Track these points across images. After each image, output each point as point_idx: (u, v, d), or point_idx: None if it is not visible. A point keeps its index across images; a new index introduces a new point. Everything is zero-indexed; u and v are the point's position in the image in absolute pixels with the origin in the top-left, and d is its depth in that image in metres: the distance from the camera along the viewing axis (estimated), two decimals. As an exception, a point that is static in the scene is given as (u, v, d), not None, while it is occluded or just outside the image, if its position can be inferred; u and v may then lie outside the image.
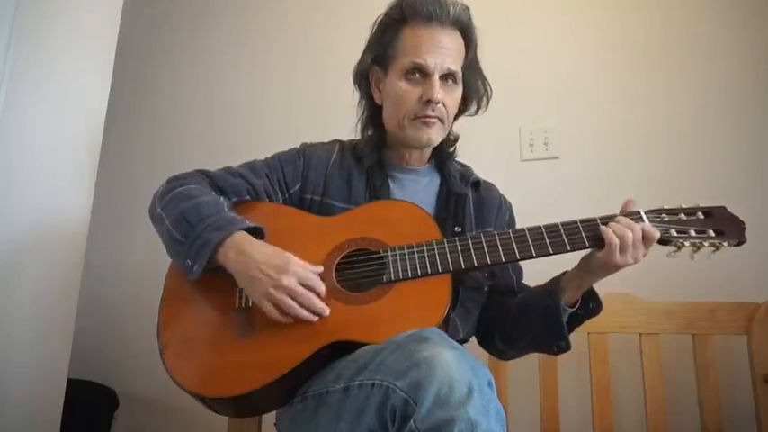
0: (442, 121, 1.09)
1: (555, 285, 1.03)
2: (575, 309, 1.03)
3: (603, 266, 0.95)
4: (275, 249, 0.95)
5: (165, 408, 1.84)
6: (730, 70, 1.67)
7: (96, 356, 1.90)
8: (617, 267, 0.94)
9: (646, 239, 0.93)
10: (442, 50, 1.06)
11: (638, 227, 0.93)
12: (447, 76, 1.08)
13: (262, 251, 0.94)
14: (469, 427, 0.66)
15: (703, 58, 1.70)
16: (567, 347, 1.02)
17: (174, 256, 1.01)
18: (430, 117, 1.07)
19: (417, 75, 1.06)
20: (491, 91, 1.18)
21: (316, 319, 0.91)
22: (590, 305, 1.05)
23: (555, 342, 1.02)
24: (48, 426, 1.29)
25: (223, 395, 0.89)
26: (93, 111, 1.45)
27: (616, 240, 0.91)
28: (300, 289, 0.91)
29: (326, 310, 0.92)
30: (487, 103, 1.19)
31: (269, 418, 1.09)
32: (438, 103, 1.06)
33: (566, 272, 1.03)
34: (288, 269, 0.92)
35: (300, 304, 0.91)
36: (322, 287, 0.93)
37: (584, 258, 0.98)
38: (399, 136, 1.11)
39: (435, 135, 1.10)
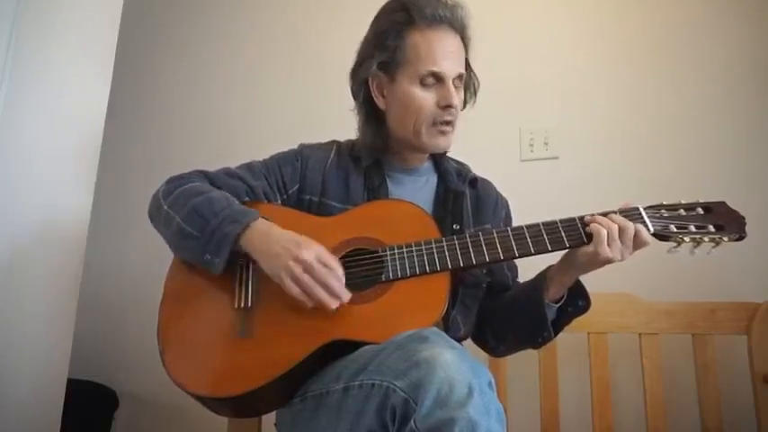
0: (454, 123, 1.10)
1: (539, 279, 1.04)
2: (561, 304, 1.04)
3: (591, 261, 0.95)
4: (295, 233, 0.96)
5: (165, 408, 1.83)
6: (731, 70, 1.67)
7: (96, 356, 1.90)
8: (605, 262, 0.94)
9: (636, 237, 0.93)
10: (453, 54, 1.07)
11: (630, 224, 0.94)
12: (456, 79, 1.09)
13: (283, 232, 0.96)
14: (470, 428, 0.66)
15: (704, 58, 1.70)
16: (550, 337, 1.04)
17: (187, 253, 1.00)
18: (448, 122, 1.08)
19: (431, 80, 1.06)
20: (478, 82, 1.18)
21: (331, 301, 0.89)
22: (579, 303, 1.05)
23: (539, 333, 1.03)
24: (48, 426, 1.29)
25: (223, 395, 0.89)
26: (93, 111, 1.44)
27: (604, 232, 0.92)
28: (318, 265, 0.90)
29: (344, 295, 0.91)
30: (476, 93, 1.18)
31: (269, 418, 1.09)
32: (455, 107, 1.07)
33: (550, 266, 1.04)
34: (309, 245, 0.92)
35: (317, 281, 0.89)
36: (340, 270, 0.92)
37: (569, 253, 0.99)
38: (414, 142, 1.10)
39: (451, 140, 1.11)
